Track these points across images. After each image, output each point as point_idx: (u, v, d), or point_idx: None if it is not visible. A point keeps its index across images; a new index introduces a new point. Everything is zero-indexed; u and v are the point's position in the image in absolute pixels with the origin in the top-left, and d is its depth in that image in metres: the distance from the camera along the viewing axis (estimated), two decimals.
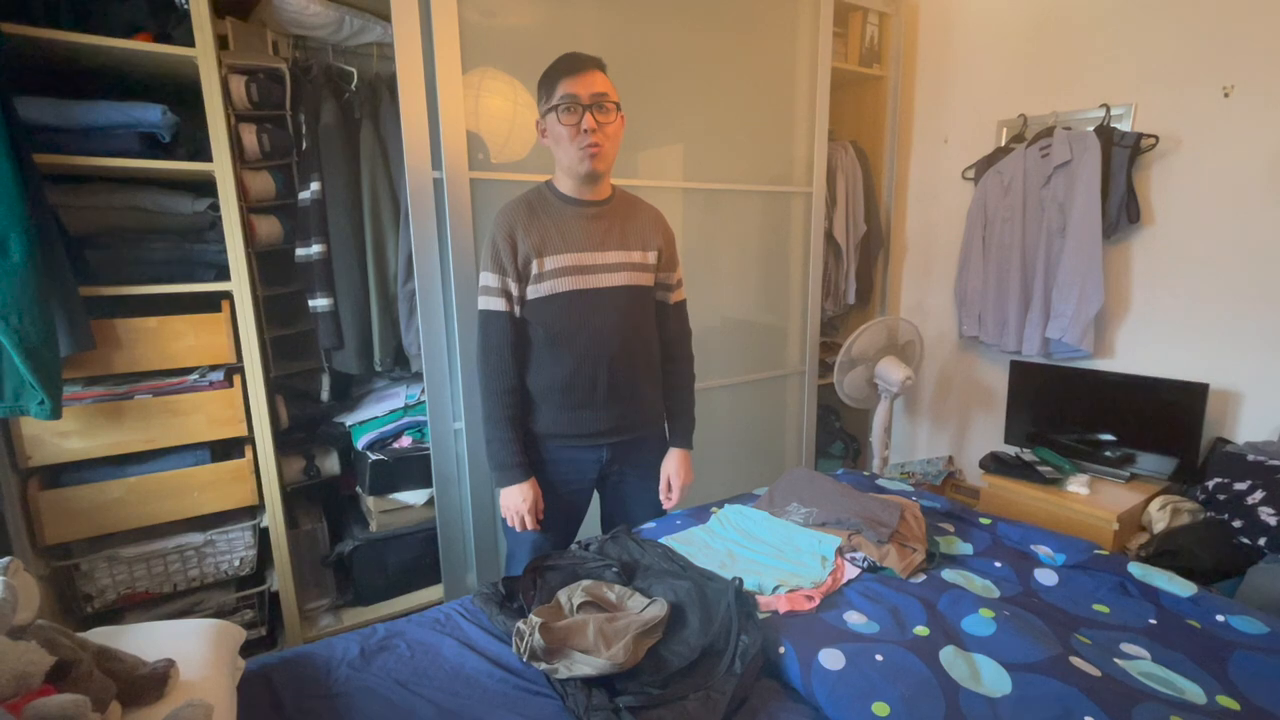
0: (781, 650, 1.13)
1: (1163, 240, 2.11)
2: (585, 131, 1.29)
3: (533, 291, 1.36)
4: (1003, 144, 2.46)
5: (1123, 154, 2.09)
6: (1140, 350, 2.20)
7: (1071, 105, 2.26)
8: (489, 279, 1.36)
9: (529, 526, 1.42)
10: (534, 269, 1.35)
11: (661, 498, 1.57)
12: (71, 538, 1.57)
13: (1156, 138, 2.05)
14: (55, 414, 1.38)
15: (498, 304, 1.36)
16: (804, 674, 1.08)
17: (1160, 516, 1.94)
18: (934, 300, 2.80)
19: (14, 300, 1.28)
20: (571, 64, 1.31)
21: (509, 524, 1.44)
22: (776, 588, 1.32)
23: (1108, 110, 2.15)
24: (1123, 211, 2.11)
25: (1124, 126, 2.12)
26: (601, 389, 1.42)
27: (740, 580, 1.25)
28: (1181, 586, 1.31)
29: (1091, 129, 2.14)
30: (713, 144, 2.23)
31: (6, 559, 0.78)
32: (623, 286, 1.40)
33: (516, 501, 1.40)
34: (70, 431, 1.52)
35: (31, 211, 1.31)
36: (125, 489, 1.59)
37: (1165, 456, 2.08)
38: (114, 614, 1.68)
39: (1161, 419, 2.08)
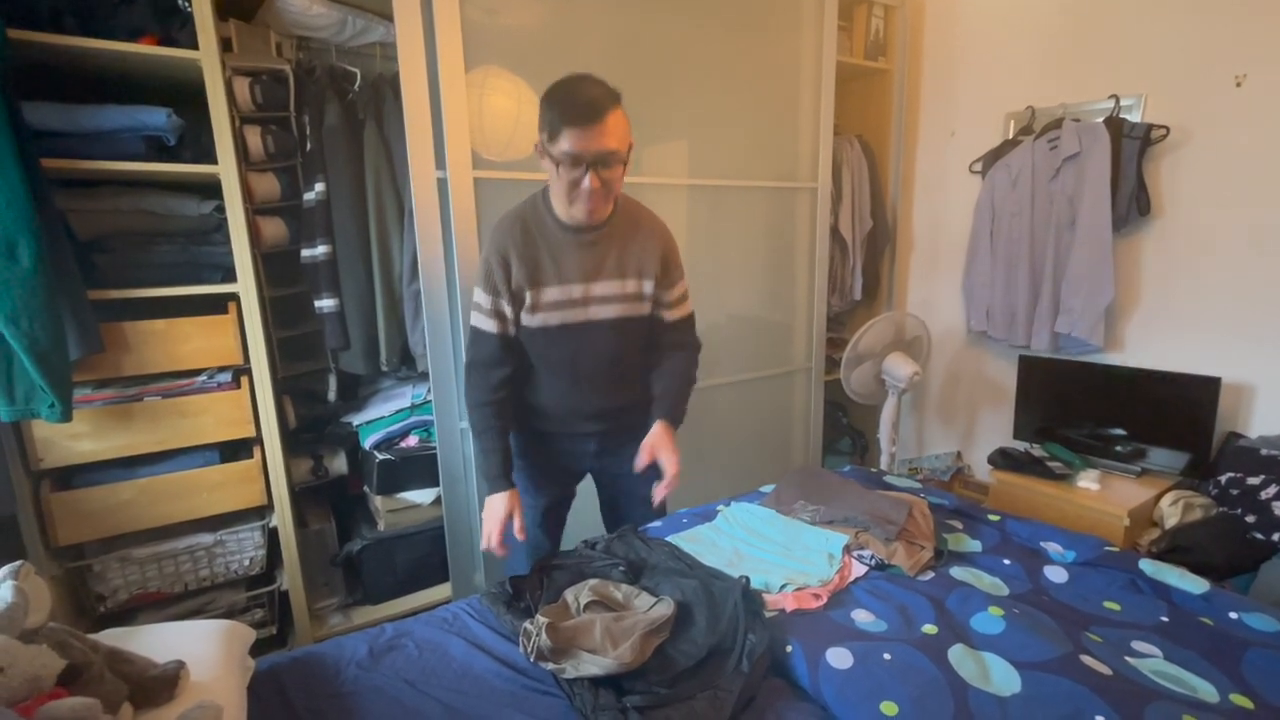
0: (789, 649, 1.12)
1: (1174, 232, 2.08)
2: (585, 188, 1.19)
3: (525, 319, 1.34)
4: (1010, 137, 2.43)
5: (1133, 145, 2.06)
6: (1151, 344, 2.17)
7: (1080, 96, 2.23)
8: (481, 297, 1.33)
9: (494, 544, 1.34)
10: (527, 299, 1.32)
11: (654, 493, 1.41)
12: (84, 539, 1.58)
13: (1167, 129, 2.02)
14: (66, 416, 1.39)
15: (488, 324, 1.33)
16: (811, 673, 1.08)
17: (1172, 512, 1.92)
18: (941, 295, 2.78)
19: (24, 305, 1.29)
20: (581, 112, 1.14)
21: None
22: (784, 586, 1.32)
23: (1117, 101, 2.12)
24: (1133, 204, 2.09)
25: (1134, 118, 2.10)
26: (593, 408, 1.45)
27: (747, 579, 1.24)
28: (1194, 583, 1.29)
29: (1101, 120, 2.12)
30: (717, 140, 2.22)
31: (18, 563, 0.78)
32: (614, 319, 1.36)
33: (494, 510, 1.35)
34: (81, 434, 1.54)
35: (40, 216, 1.32)
36: (136, 490, 1.60)
37: (1177, 451, 2.06)
38: (126, 614, 1.69)
39: (1173, 413, 2.06)
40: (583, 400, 1.43)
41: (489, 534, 1.35)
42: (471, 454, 1.88)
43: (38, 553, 1.53)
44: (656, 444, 1.38)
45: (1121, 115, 2.11)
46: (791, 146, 2.39)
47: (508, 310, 1.32)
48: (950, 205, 2.69)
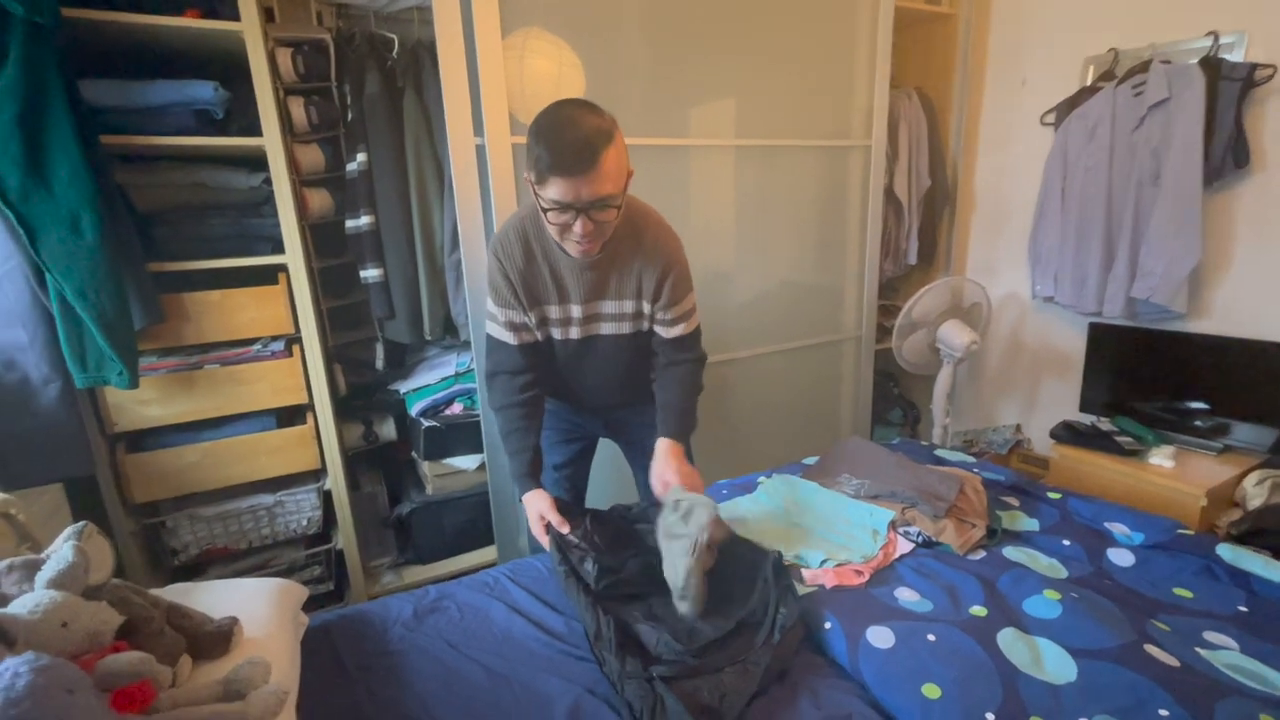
0: (826, 625, 1.10)
1: (1275, 187, 1.88)
2: (577, 233, 1.11)
3: None
4: (1089, 84, 2.23)
5: (1232, 89, 1.85)
6: (1242, 310, 1.98)
7: (1172, 35, 2.01)
8: (494, 309, 1.30)
9: (540, 538, 1.32)
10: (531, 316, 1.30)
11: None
12: (156, 497, 1.69)
13: (1274, 68, 1.80)
14: (133, 383, 1.47)
15: (506, 335, 1.30)
16: (851, 651, 1.05)
17: (1257, 492, 1.77)
18: (1004, 259, 2.61)
19: (90, 277, 1.36)
20: (569, 160, 1.02)
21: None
22: (824, 561, 1.29)
23: (1215, 39, 1.90)
24: (1229, 155, 1.88)
25: (1235, 57, 1.88)
26: (598, 403, 1.47)
27: (779, 552, 1.22)
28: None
29: (1195, 61, 1.91)
30: (766, 97, 2.11)
31: (81, 524, 0.83)
32: (616, 334, 1.33)
33: (531, 509, 1.33)
34: (149, 400, 1.62)
35: (101, 191, 1.37)
36: (200, 453, 1.69)
37: (1266, 427, 1.89)
38: (198, 567, 1.81)
39: (1264, 385, 1.88)
40: (587, 396, 1.45)
41: (535, 532, 1.33)
42: None
43: (117, 510, 1.64)
44: (664, 469, 1.30)
45: (1220, 55, 1.89)
46: (844, 102, 2.26)
47: (523, 319, 1.29)
48: (1018, 161, 2.50)
